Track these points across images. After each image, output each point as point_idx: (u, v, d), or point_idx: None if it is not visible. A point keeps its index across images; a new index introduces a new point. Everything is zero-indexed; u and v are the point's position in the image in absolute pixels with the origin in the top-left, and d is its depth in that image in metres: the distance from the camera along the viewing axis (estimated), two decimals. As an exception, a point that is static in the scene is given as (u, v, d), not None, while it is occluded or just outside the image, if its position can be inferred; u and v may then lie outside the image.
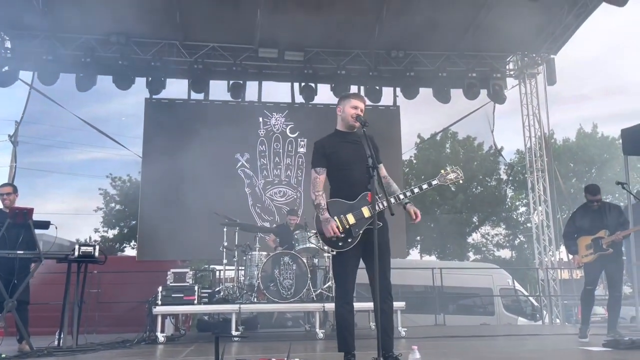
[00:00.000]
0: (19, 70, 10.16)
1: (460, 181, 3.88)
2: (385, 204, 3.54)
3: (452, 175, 3.85)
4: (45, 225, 5.63)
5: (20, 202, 5.97)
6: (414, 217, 3.66)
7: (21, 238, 5.45)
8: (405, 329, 6.67)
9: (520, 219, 26.66)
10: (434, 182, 3.85)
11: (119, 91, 10.56)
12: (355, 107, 3.76)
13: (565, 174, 22.19)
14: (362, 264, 3.66)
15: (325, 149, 3.75)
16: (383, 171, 3.80)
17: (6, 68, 10.09)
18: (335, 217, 3.58)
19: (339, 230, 3.53)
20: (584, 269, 6.28)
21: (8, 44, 10.30)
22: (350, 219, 3.58)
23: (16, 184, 6.95)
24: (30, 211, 5.37)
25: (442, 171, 3.88)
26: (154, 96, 10.98)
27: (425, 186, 3.81)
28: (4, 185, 5.91)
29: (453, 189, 24.91)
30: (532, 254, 14.20)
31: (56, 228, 5.69)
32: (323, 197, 3.67)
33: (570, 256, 6.63)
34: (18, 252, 5.28)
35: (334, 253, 3.69)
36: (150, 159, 10.81)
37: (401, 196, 3.68)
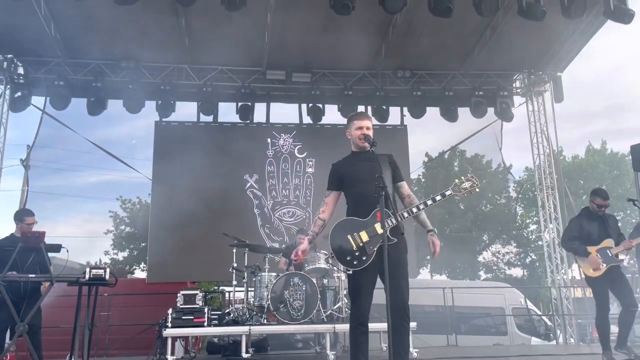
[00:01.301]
0: (31, 96, 10.33)
1: (477, 189, 3.76)
2: (396, 220, 3.52)
3: (467, 184, 3.75)
4: (56, 248, 5.66)
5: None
6: (433, 249, 3.66)
7: (30, 260, 5.48)
8: (417, 350, 6.59)
9: (531, 237, 26.42)
10: (447, 193, 3.74)
11: (129, 114, 10.70)
12: (360, 128, 3.79)
13: (575, 191, 22.00)
14: (380, 284, 3.61)
15: (338, 171, 3.81)
16: (405, 189, 3.81)
17: (19, 94, 10.27)
18: (349, 236, 3.59)
19: (298, 256, 3.76)
20: (593, 289, 5.71)
21: (21, 70, 10.50)
22: (364, 236, 3.59)
23: (28, 207, 7.03)
24: (41, 235, 5.40)
25: (457, 180, 3.79)
26: (163, 119, 11.10)
27: (438, 197, 3.70)
28: (32, 215, 5.99)
29: (461, 207, 24.84)
30: (544, 272, 14.03)
31: (67, 251, 5.73)
32: (317, 224, 3.87)
33: (578, 265, 5.94)
34: (30, 275, 5.31)
35: (350, 272, 3.66)
36: (160, 181, 10.91)
37: (414, 209, 3.65)
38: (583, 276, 5.83)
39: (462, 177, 3.81)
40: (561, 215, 11.44)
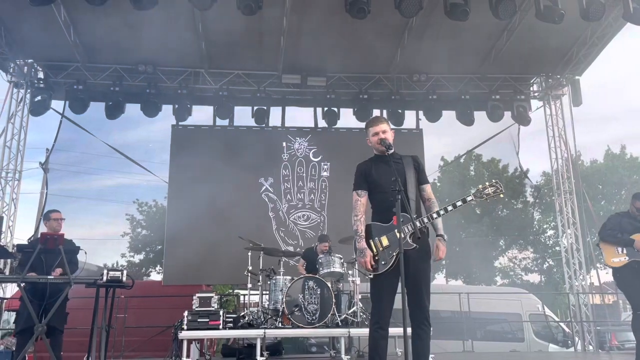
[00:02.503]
0: (51, 100, 10.47)
1: (501, 195, 3.64)
2: (414, 225, 3.47)
3: (490, 190, 3.64)
4: (75, 250, 5.73)
5: (44, 228, 6.14)
6: (436, 254, 3.62)
7: (57, 262, 5.55)
8: (433, 356, 6.51)
9: (548, 242, 26.10)
10: (469, 199, 3.64)
11: (146, 118, 10.81)
12: (376, 133, 3.77)
13: (593, 196, 21.73)
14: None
15: (364, 171, 3.76)
16: (427, 192, 3.74)
17: (39, 98, 10.43)
18: (370, 241, 3.58)
19: (371, 264, 3.52)
20: (624, 290, 5.57)
21: (41, 75, 10.67)
22: (384, 241, 3.58)
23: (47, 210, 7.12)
24: (60, 237, 5.47)
25: (480, 186, 3.69)
26: (180, 123, 11.20)
27: (459, 203, 3.62)
28: (56, 211, 6.13)
29: (477, 212, 24.63)
30: (561, 278, 13.86)
31: (85, 253, 5.81)
32: (362, 222, 3.64)
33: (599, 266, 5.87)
34: (48, 277, 5.38)
35: (371, 276, 3.64)
36: (176, 185, 10.99)
37: (434, 215, 3.59)
38: (605, 281, 5.70)
39: (486, 183, 3.70)
40: (579, 220, 11.29)
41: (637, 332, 5.46)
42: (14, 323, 5.87)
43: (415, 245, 3.42)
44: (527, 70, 11.53)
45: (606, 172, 25.93)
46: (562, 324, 13.89)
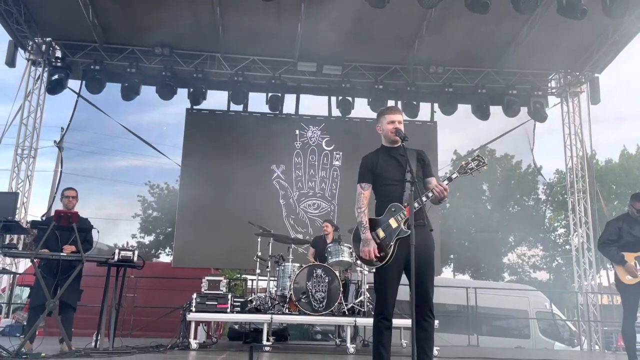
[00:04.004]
0: (68, 79, 10.54)
1: (485, 167, 3.65)
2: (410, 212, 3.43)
3: (473, 164, 3.64)
4: (87, 229, 5.81)
5: (59, 206, 6.23)
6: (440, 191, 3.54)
7: (72, 239, 5.63)
8: (438, 348, 6.55)
9: (558, 241, 25.91)
10: (454, 176, 3.63)
11: (160, 101, 10.85)
12: (392, 122, 3.73)
13: (607, 196, 21.48)
14: (404, 280, 3.58)
15: (371, 164, 3.74)
16: (433, 184, 3.67)
17: (56, 77, 10.50)
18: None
19: (376, 253, 3.50)
20: (622, 295, 5.54)
21: (58, 54, 10.74)
22: (380, 233, 3.57)
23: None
24: (74, 215, 5.54)
25: (463, 162, 3.68)
26: (194, 107, 11.23)
27: (445, 182, 3.59)
28: (70, 188, 6.19)
29: (488, 207, 24.50)
30: (570, 277, 13.79)
31: (98, 232, 5.89)
32: (366, 214, 3.63)
33: (614, 270, 5.83)
34: (61, 254, 5.47)
35: (373, 270, 3.65)
36: (189, 168, 11.06)
37: (424, 198, 3.54)
38: (613, 281, 5.66)
39: (468, 159, 3.70)
40: (591, 220, 11.19)
41: (626, 338, 5.53)
42: (27, 298, 5.98)
43: (409, 231, 3.37)
44: (546, 66, 11.38)
45: (621, 172, 25.60)
46: (569, 322, 13.85)
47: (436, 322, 3.63)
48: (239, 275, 17.75)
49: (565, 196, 12.35)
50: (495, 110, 11.26)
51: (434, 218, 3.75)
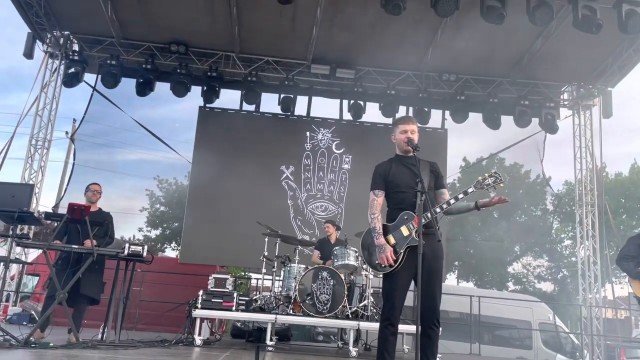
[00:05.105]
0: (84, 73, 10.67)
1: (501, 185, 3.66)
2: (418, 226, 3.49)
3: (490, 180, 3.66)
4: (99, 223, 5.91)
5: (71, 198, 6.36)
6: (494, 201, 3.60)
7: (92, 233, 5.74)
8: (440, 356, 6.56)
9: (564, 252, 25.80)
10: (470, 190, 3.66)
11: (173, 97, 10.90)
12: (405, 131, 3.80)
13: (615, 210, 21.37)
14: (411, 287, 3.63)
15: (384, 171, 3.80)
16: (445, 197, 3.79)
17: (72, 70, 10.63)
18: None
19: (392, 258, 3.55)
20: None
21: (75, 47, 10.86)
22: (391, 239, 3.64)
23: (72, 179, 7.33)
24: (87, 208, 5.65)
25: (480, 177, 3.71)
26: (207, 105, 11.33)
27: (460, 196, 3.64)
28: (95, 183, 6.35)
29: (495, 215, 24.45)
30: (575, 289, 13.74)
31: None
32: (379, 220, 3.69)
33: (630, 285, 5.75)
34: (73, 246, 5.57)
35: (380, 275, 3.71)
36: (200, 165, 11.16)
37: (437, 209, 3.62)
38: (619, 294, 5.69)
39: (486, 174, 3.72)
40: (599, 233, 11.17)
41: None
42: (44, 287, 6.12)
43: (423, 241, 3.43)
44: (559, 77, 11.38)
45: (630, 186, 25.44)
46: (571, 335, 13.80)
47: (440, 329, 3.68)
48: (243, 274, 17.86)
49: (573, 208, 12.32)
50: (506, 120, 11.27)
51: (440, 224, 3.80)
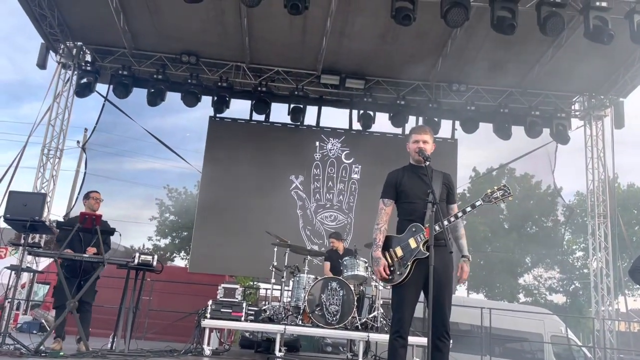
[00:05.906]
0: (96, 83, 10.78)
1: (510, 198, 3.65)
2: (426, 237, 3.50)
3: (498, 193, 3.64)
4: (111, 232, 5.94)
5: (82, 207, 6.37)
6: (459, 274, 3.67)
7: (95, 241, 5.75)
8: (450, 368, 6.51)
9: (576, 264, 25.53)
10: (478, 203, 3.64)
11: (183, 107, 10.96)
12: (417, 142, 3.80)
13: (628, 221, 21.15)
14: (421, 298, 3.62)
15: (395, 180, 3.80)
16: (455, 211, 3.77)
17: (84, 80, 10.75)
18: (385, 252, 3.64)
19: (385, 273, 3.58)
20: None
21: (88, 58, 10.99)
22: (398, 251, 3.63)
23: (84, 188, 7.35)
24: (98, 218, 5.67)
25: (488, 191, 3.69)
26: (217, 115, 11.40)
27: (468, 209, 3.63)
28: (95, 191, 6.37)
29: (505, 226, 24.28)
30: (587, 301, 13.58)
31: (120, 235, 6.00)
32: (382, 232, 3.69)
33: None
34: (84, 255, 5.59)
35: (388, 287, 3.70)
36: (210, 175, 11.20)
37: (446, 222, 3.57)
38: (632, 307, 5.61)
39: (495, 187, 3.70)
40: (611, 245, 11.04)
41: None
42: (52, 297, 6.13)
43: (427, 253, 3.43)
44: (570, 88, 11.32)
45: (643, 198, 25.23)
46: (584, 348, 13.60)
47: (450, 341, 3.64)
48: (252, 283, 17.82)
49: (585, 219, 12.20)
50: (517, 130, 11.21)
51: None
